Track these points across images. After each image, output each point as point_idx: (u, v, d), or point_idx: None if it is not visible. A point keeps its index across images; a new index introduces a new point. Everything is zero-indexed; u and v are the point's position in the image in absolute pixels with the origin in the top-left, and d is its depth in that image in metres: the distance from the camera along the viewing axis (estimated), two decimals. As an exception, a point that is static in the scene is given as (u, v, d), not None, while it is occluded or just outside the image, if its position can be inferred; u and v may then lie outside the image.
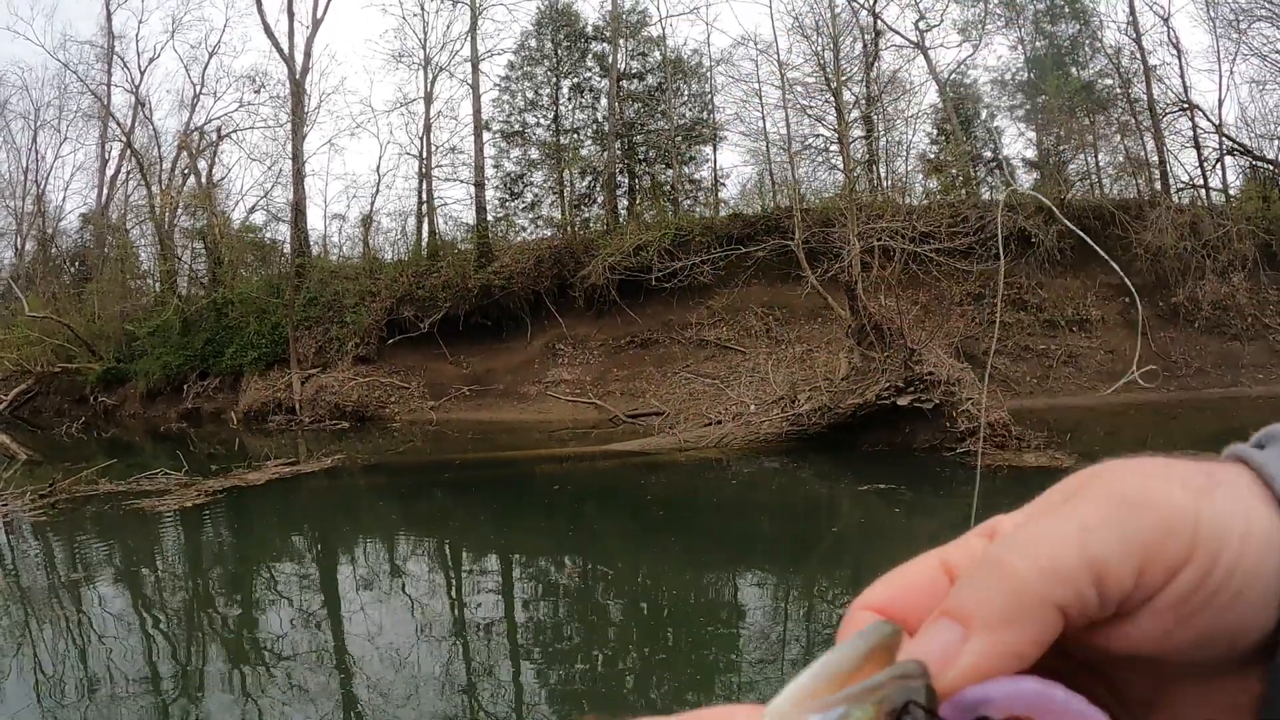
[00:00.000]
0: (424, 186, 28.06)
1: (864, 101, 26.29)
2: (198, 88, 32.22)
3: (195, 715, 5.67)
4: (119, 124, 33.53)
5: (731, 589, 7.84)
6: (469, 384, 23.86)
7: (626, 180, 27.82)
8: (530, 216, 28.39)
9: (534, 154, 28.84)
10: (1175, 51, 24.81)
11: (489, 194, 27.90)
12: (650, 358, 22.83)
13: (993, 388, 14.73)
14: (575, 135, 28.85)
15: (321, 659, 6.63)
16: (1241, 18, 24.93)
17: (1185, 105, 24.49)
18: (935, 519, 10.09)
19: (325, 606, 8.18)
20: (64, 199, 53.85)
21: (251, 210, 31.43)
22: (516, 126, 29.19)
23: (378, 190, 32.12)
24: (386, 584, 8.94)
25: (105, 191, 36.72)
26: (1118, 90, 25.95)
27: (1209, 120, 24.34)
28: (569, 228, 26.15)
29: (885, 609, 0.42)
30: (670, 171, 27.80)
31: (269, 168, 30.93)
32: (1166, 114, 24.72)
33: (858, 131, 25.99)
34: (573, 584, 8.77)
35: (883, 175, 27.51)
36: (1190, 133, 24.54)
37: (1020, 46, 27.95)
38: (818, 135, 26.71)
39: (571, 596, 8.38)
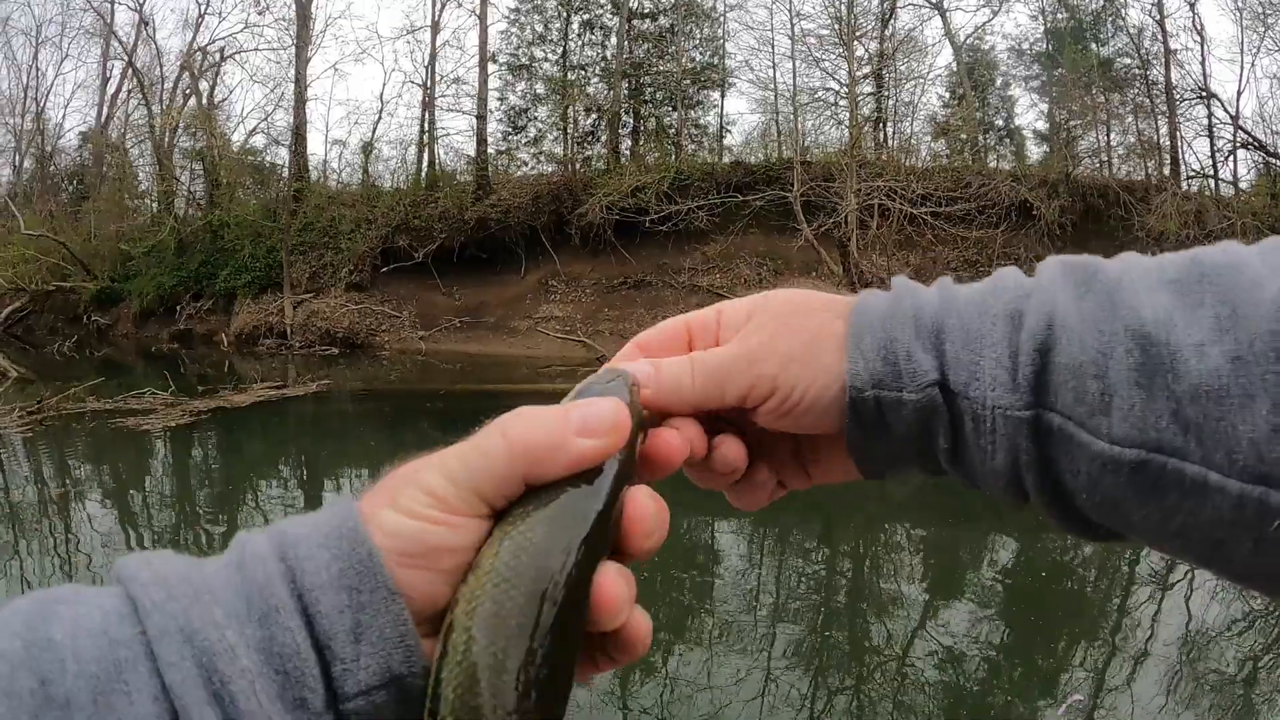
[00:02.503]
0: (426, 116, 27.81)
1: (876, 58, 25.86)
2: (202, 7, 31.63)
3: None
4: (121, 43, 33.07)
5: (706, 535, 7.94)
6: (460, 316, 23.78)
7: (631, 121, 27.40)
8: (533, 151, 27.98)
9: (540, 89, 28.44)
10: (1198, 38, 24.22)
11: (492, 126, 27.65)
12: (642, 299, 22.74)
13: None
14: (583, 72, 28.38)
15: None
16: (1269, 11, 24.41)
17: (1203, 93, 24.02)
18: (904, 482, 9.97)
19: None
20: (64, 117, 53.25)
21: (252, 133, 31.06)
22: (524, 60, 28.73)
23: (380, 118, 31.65)
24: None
25: (105, 110, 36.17)
26: (1136, 71, 25.41)
27: (1226, 111, 23.82)
28: (570, 165, 25.88)
29: (642, 347, 0.64)
30: (676, 114, 27.46)
31: (271, 91, 30.51)
32: (1183, 100, 24.24)
33: (867, 88, 25.61)
34: None
35: (889, 134, 27.15)
36: (1205, 122, 24.08)
37: (1041, 17, 27.39)
38: (827, 89, 26.33)
39: None
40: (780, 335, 0.59)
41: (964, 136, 26.54)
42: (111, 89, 36.03)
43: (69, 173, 37.79)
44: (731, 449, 0.61)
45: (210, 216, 28.29)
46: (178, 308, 27.34)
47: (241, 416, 13.49)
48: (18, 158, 39.61)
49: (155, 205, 31.81)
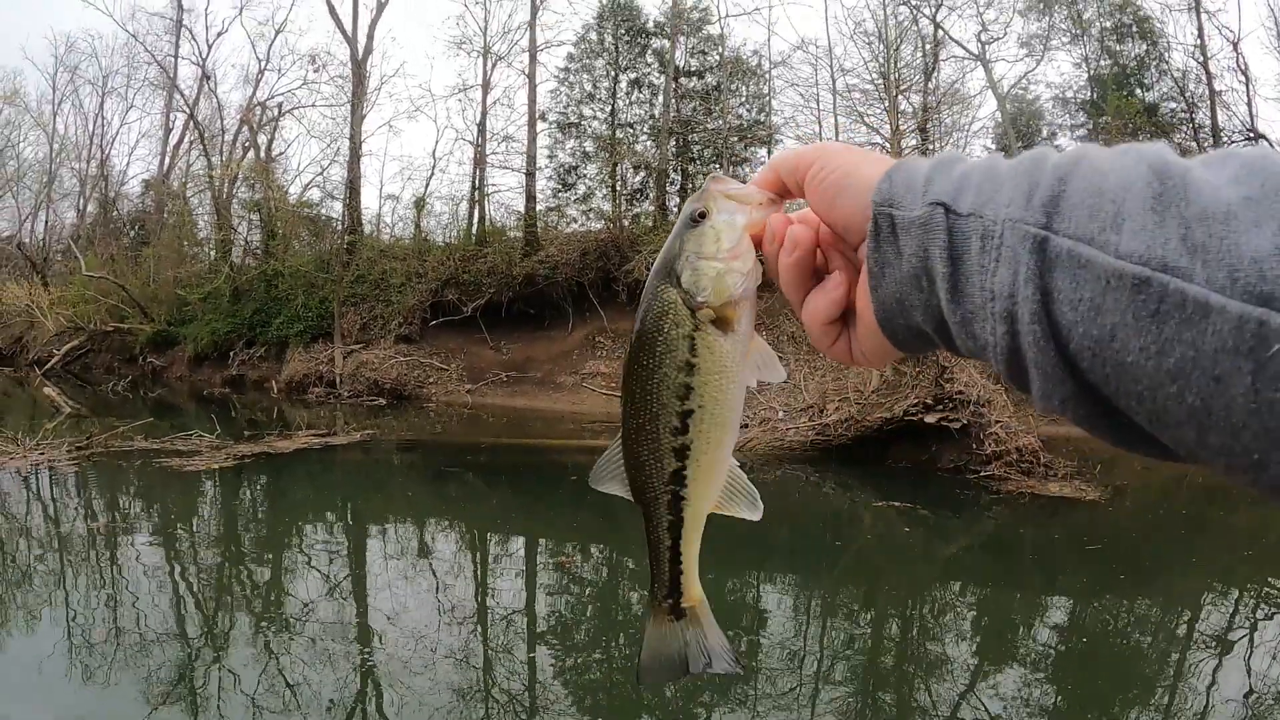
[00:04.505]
0: (477, 173, 28.24)
1: (920, 111, 25.90)
2: (262, 63, 32.75)
3: (219, 669, 5.84)
4: (183, 95, 34.24)
5: (748, 596, 7.87)
6: (507, 370, 23.93)
7: (679, 178, 27.65)
8: (582, 209, 28.32)
9: (588, 146, 28.82)
10: (1243, 78, 23.98)
11: (541, 183, 28.05)
12: (687, 357, 22.73)
13: (1026, 412, 14.48)
14: (630, 130, 28.76)
15: (344, 627, 6.80)
16: (1314, 47, 24.07)
17: (1251, 133, 23.71)
18: (951, 542, 9.97)
19: (351, 577, 8.36)
20: (128, 164, 54.93)
21: (308, 186, 31.85)
22: (573, 118, 29.19)
23: (432, 174, 32.24)
24: (412, 560, 9.09)
25: (168, 159, 37.40)
26: (1182, 114, 25.18)
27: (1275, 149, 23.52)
28: (618, 222, 26.11)
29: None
30: (723, 171, 27.56)
31: (327, 145, 31.32)
32: (1231, 142, 23.92)
33: (912, 141, 25.62)
34: (594, 575, 8.91)
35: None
36: (1256, 163, 23.70)
37: (1084, 64, 27.26)
38: (872, 143, 26.40)
39: (594, 588, 8.50)
40: (841, 149, 0.72)
41: None
42: (174, 139, 37.28)
43: (131, 218, 38.96)
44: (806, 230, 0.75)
45: (265, 266, 28.96)
46: (231, 353, 27.88)
47: (287, 462, 13.61)
48: (82, 201, 40.98)
49: (213, 253, 32.61)
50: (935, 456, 12.55)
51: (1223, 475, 0.48)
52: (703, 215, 0.79)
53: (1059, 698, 5.83)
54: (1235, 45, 23.95)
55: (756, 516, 0.87)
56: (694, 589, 0.93)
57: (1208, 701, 5.55)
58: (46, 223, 42.16)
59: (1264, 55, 35.04)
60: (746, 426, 15.46)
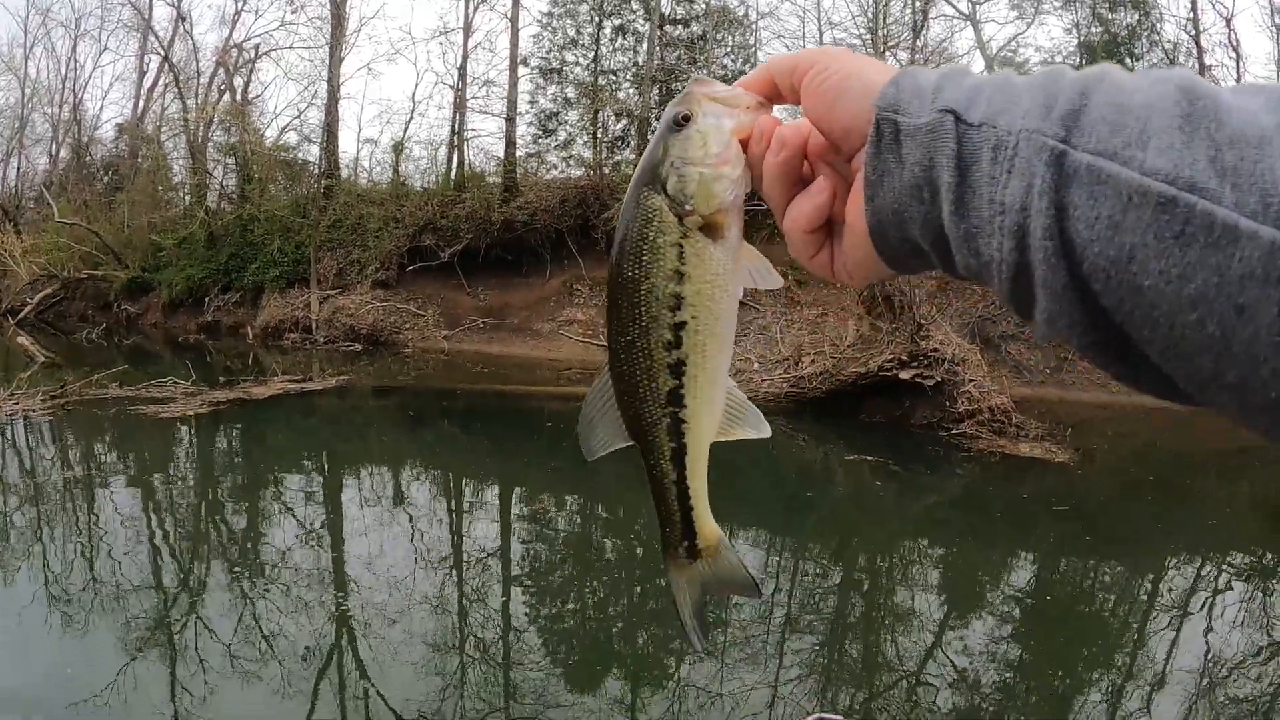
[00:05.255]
0: (457, 117, 27.78)
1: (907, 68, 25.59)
2: (239, 4, 32.02)
3: (196, 617, 5.89)
4: (158, 37, 33.52)
5: None
6: (484, 316, 23.79)
7: (660, 126, 27.21)
8: (562, 155, 27.82)
9: (570, 93, 28.35)
10: (1234, 54, 23.91)
11: (522, 129, 27.59)
12: (666, 307, 22.65)
13: (1001, 372, 14.52)
14: (613, 77, 28.27)
15: (320, 574, 6.86)
16: (1307, 27, 23.98)
17: None
18: (922, 498, 10.11)
19: (326, 524, 8.40)
20: (101, 108, 54.10)
21: (284, 130, 31.27)
22: (555, 64, 28.66)
23: (411, 118, 31.92)
24: (388, 507, 9.14)
25: (142, 103, 36.70)
26: None
27: (1261, 129, 23.46)
28: (598, 169, 25.80)
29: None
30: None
31: (305, 88, 30.93)
32: None
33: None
34: (568, 522, 8.97)
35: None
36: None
37: (1075, 30, 26.99)
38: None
39: (569, 534, 8.56)
40: (843, 52, 0.68)
41: None
42: (148, 83, 36.54)
43: (104, 163, 38.27)
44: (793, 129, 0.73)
45: (241, 211, 28.55)
46: (206, 299, 27.58)
47: (264, 408, 13.62)
48: (55, 147, 40.23)
49: (188, 198, 32.16)
50: (909, 413, 12.63)
51: (1235, 416, 0.46)
52: (687, 119, 0.76)
53: (1023, 653, 5.97)
54: (1228, 21, 23.87)
55: (765, 433, 0.83)
56: (709, 526, 0.89)
57: (1167, 665, 5.65)
58: (18, 169, 41.34)
59: (1256, 32, 34.90)
60: None
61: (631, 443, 0.85)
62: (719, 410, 0.83)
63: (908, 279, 14.52)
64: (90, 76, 38.75)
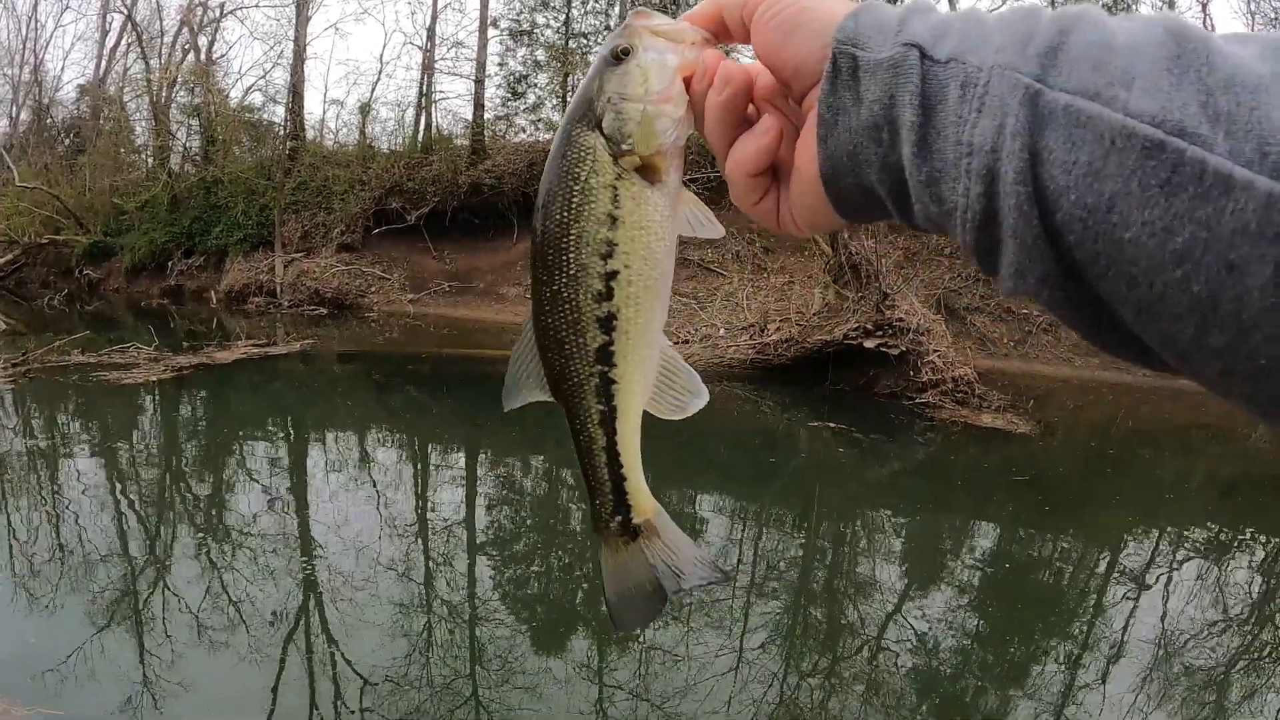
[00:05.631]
0: (425, 79, 27.47)
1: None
2: (204, -39, 31.23)
3: (163, 584, 5.87)
4: (121, -5, 32.67)
5: (682, 510, 7.96)
6: (450, 280, 23.68)
7: (632, 90, 26.83)
8: (531, 119, 27.54)
9: (540, 55, 27.91)
10: None
11: (491, 92, 27.32)
12: (634, 272, 22.48)
13: (965, 344, 14.57)
14: (584, 40, 27.85)
15: (287, 540, 6.85)
16: (1282, 16, 23.88)
17: None
18: (885, 465, 10.20)
19: (292, 490, 8.38)
20: (62, 69, 52.94)
21: (249, 90, 30.74)
22: (525, 25, 28.22)
23: (378, 79, 31.56)
24: (353, 472, 9.11)
25: (104, 63, 36.07)
26: None
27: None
28: (568, 133, 25.41)
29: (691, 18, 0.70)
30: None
31: (270, 48, 30.32)
32: None
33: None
34: (534, 486, 9.00)
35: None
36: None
37: (1051, 5, 26.83)
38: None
39: (534, 499, 8.58)
40: None
41: None
42: (110, 42, 35.83)
43: (66, 126, 37.58)
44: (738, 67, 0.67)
45: (205, 173, 28.09)
46: (169, 263, 27.22)
47: (227, 373, 13.53)
48: (14, 109, 39.37)
49: (150, 160, 31.61)
50: (873, 381, 12.68)
51: (1213, 385, 0.43)
52: (626, 52, 0.69)
53: (981, 621, 6.06)
54: (1204, 7, 23.71)
55: (702, 401, 0.77)
56: (644, 498, 0.82)
57: (1124, 634, 5.74)
58: (-23, 132, 40.41)
59: (1232, 19, 34.76)
60: (688, 343, 15.52)
61: (552, 399, 0.78)
62: (653, 371, 0.75)
63: (874, 248, 14.45)
64: (51, 36, 37.77)
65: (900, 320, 12.33)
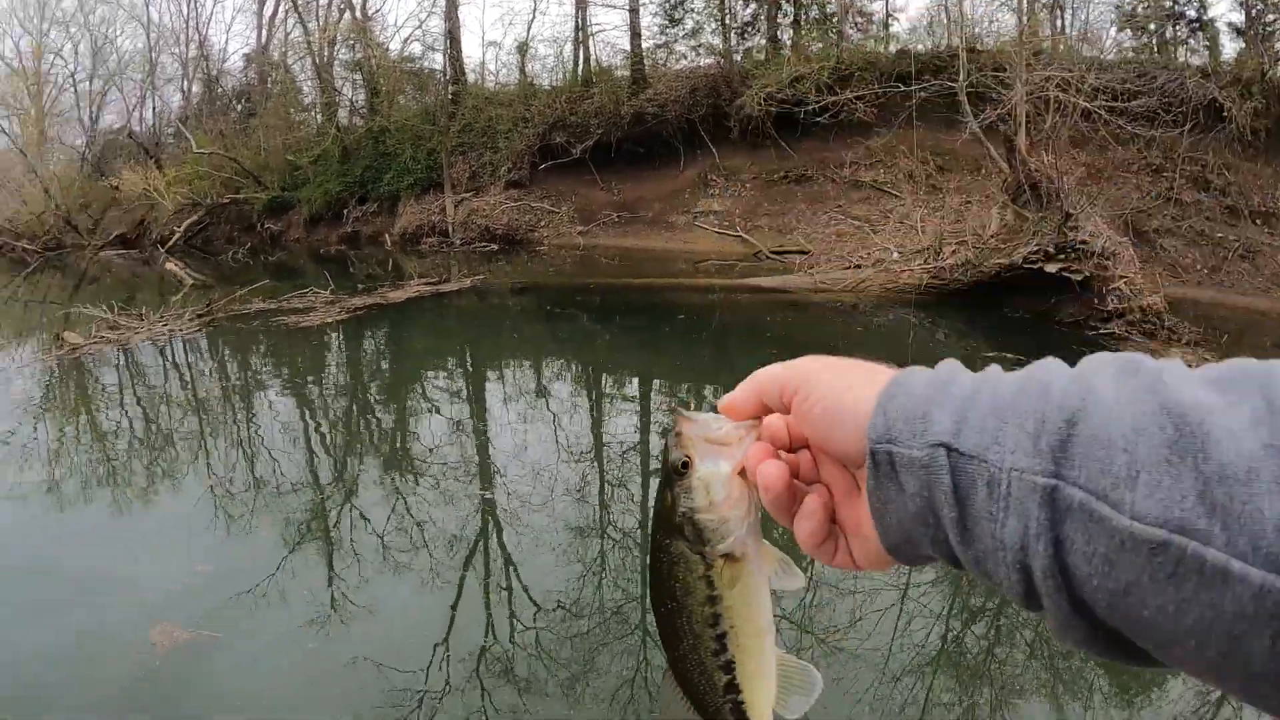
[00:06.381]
0: (579, 13, 27.44)
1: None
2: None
3: (349, 510, 6.10)
4: (273, -38, 34.06)
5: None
6: (618, 210, 23.80)
7: (792, 9, 26.12)
8: (690, 44, 27.14)
9: (695, -21, 27.43)
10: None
11: (647, 20, 27.06)
12: (803, 194, 22.01)
13: (1154, 270, 13.37)
14: (738, -41, 27.25)
15: (465, 466, 7.03)
16: None
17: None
18: None
19: (471, 418, 8.55)
20: (226, 41, 55.46)
21: (407, 41, 31.58)
22: (680, -52, 27.76)
23: (533, 17, 31.85)
24: (529, 401, 9.26)
25: (265, 31, 37.76)
26: None
27: None
28: (728, 57, 25.04)
29: (729, 408, 0.75)
30: (838, 1, 25.99)
31: (424, -2, 30.80)
32: None
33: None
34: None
35: (1068, 22, 25.03)
36: None
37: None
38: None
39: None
40: (820, 369, 0.68)
41: (1150, 27, 24.24)
42: (268, 11, 37.42)
43: (236, 93, 39.60)
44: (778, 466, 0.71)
45: (372, 124, 29.07)
46: (344, 212, 28.44)
47: (404, 311, 13.91)
48: (186, 83, 41.84)
49: (319, 117, 33.04)
50: (1054, 309, 11.81)
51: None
52: (686, 465, 0.78)
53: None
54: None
55: (818, 689, 0.88)
56: None
57: None
58: (154, 109, 43.05)
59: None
60: (860, 267, 15.02)
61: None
62: (773, 683, 0.88)
63: (1055, 163, 13.49)
64: (212, 13, 39.71)
65: (1084, 243, 11.43)
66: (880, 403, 0.61)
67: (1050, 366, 0.57)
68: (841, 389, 0.65)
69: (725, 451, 0.78)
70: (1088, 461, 0.48)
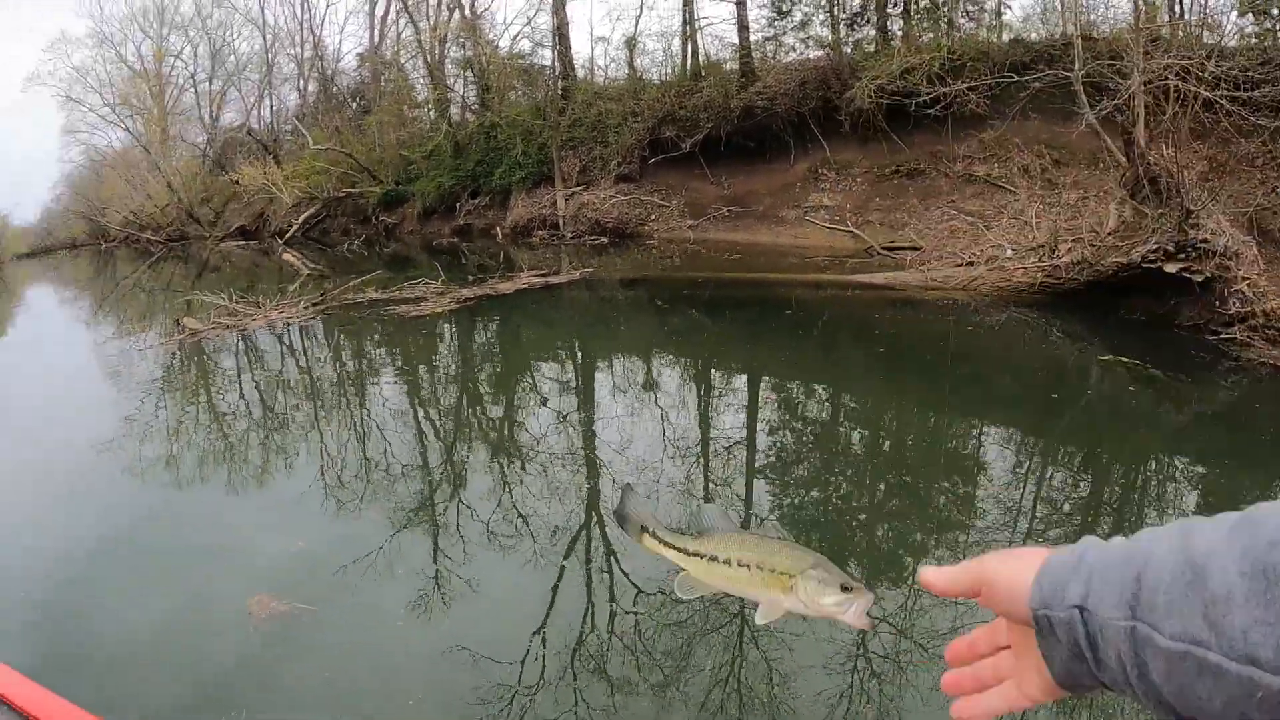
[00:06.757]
0: (687, 7, 27.41)
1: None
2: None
3: (457, 498, 6.27)
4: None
5: (966, 446, 7.71)
6: (728, 205, 23.71)
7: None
8: (799, 36, 26.77)
9: (803, -29, 27.28)
10: None
11: (755, 13, 26.65)
12: (915, 189, 21.67)
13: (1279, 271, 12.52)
14: (845, -49, 27.02)
15: (573, 457, 7.11)
16: None
17: None
18: (1180, 408, 8.99)
19: (578, 410, 8.62)
20: (340, 42, 57.34)
21: (516, 38, 32.07)
22: (788, -59, 27.64)
23: (640, 12, 32.18)
24: (637, 394, 9.30)
25: (377, 31, 39.08)
26: None
27: None
28: (838, 48, 24.90)
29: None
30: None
31: (532, -5, 31.40)
32: None
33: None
34: (816, 411, 8.89)
35: (1187, 7, 24.01)
36: None
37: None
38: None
39: (814, 424, 8.46)
40: (998, 565, 0.83)
41: (1274, 11, 23.04)
42: (380, 11, 38.64)
43: (350, 91, 41.10)
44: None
45: (483, 119, 29.71)
46: (457, 205, 29.16)
47: (515, 302, 14.14)
48: (302, 82, 43.63)
49: (431, 113, 34.03)
50: (1173, 311, 11.12)
51: None
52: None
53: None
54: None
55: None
56: None
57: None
58: (272, 107, 45.17)
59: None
60: (972, 264, 14.79)
61: None
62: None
63: (1175, 157, 12.84)
64: (325, 15, 41.51)
65: (1205, 241, 10.76)
66: (1036, 579, 0.79)
67: (1142, 535, 0.75)
68: (1009, 575, 0.83)
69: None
70: (1151, 605, 0.67)
